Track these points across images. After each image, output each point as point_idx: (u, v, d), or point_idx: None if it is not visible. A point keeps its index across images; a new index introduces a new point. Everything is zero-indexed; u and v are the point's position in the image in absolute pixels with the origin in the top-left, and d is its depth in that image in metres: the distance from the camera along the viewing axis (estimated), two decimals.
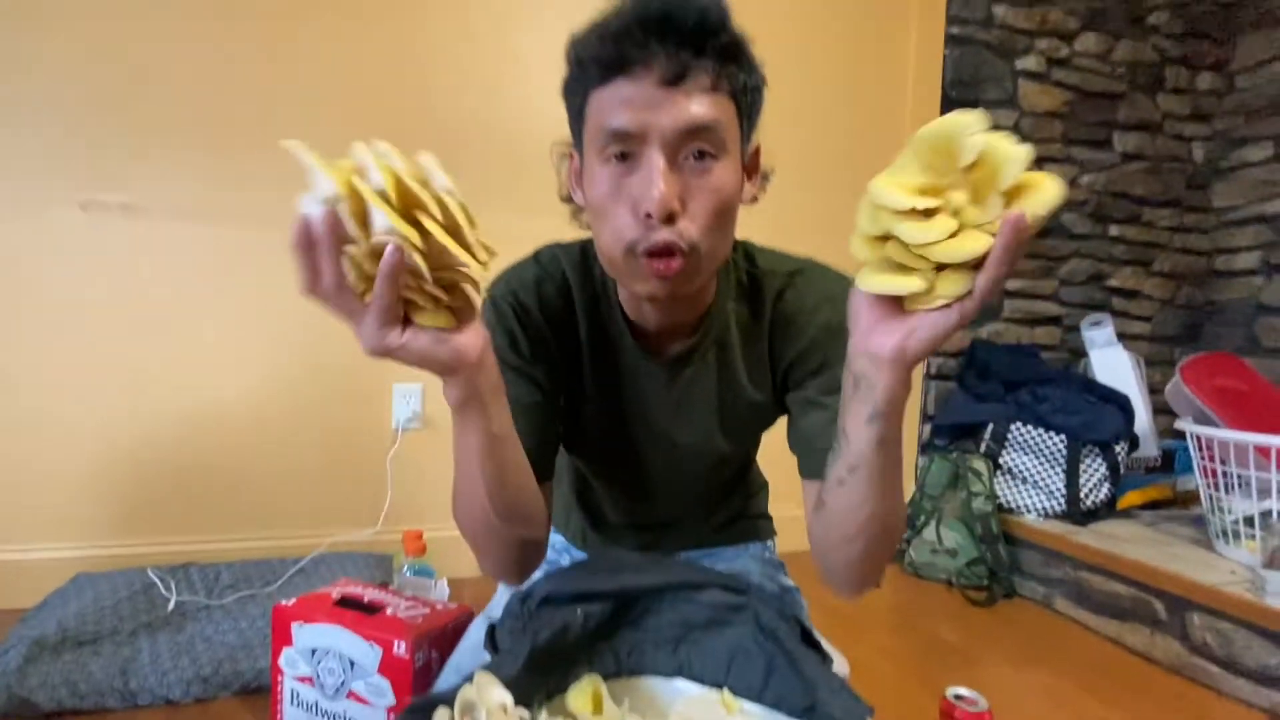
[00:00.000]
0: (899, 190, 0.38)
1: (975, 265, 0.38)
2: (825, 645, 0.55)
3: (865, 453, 0.47)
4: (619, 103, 0.52)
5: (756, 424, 0.73)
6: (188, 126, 1.39)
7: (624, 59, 0.51)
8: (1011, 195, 0.38)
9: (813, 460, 0.60)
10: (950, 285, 0.39)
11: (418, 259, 0.40)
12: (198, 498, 1.43)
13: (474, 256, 0.42)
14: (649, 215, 0.51)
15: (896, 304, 0.43)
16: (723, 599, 0.49)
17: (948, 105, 1.86)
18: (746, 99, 0.55)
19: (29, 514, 1.34)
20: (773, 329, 0.66)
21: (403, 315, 0.43)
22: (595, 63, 0.53)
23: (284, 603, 0.92)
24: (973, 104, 1.88)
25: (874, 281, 0.41)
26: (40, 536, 1.35)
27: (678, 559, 0.66)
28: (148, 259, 1.39)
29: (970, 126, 0.38)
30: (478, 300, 0.46)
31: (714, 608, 0.49)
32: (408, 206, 0.41)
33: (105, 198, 1.36)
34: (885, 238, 0.40)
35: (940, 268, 0.39)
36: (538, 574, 0.64)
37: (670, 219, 0.51)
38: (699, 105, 0.51)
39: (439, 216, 0.41)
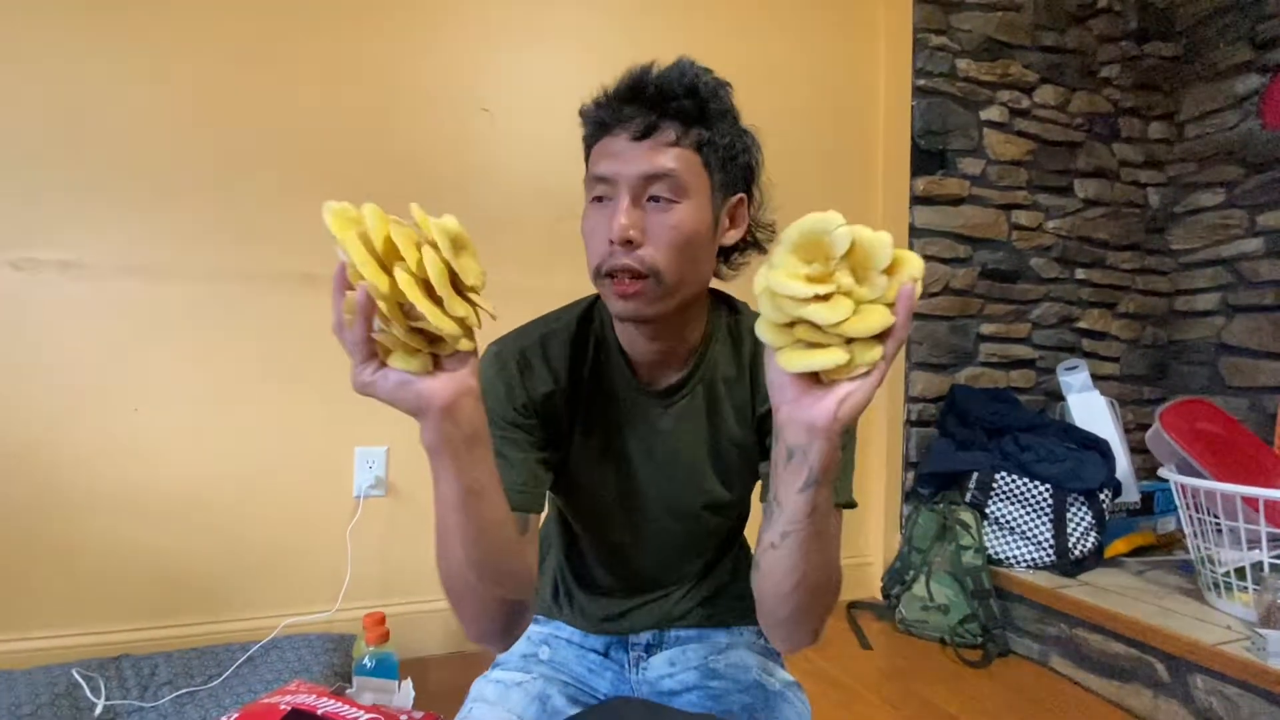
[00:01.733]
0: (797, 280, 0.43)
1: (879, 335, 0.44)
2: None
3: (799, 519, 0.50)
4: (602, 155, 0.63)
5: (742, 465, 0.74)
6: (130, 180, 1.31)
7: (606, 121, 0.63)
8: (888, 271, 0.44)
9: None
10: (867, 354, 0.44)
11: (383, 306, 0.43)
12: (132, 578, 1.30)
13: (445, 313, 0.44)
14: (612, 241, 0.60)
15: (815, 377, 0.46)
16: None
17: (917, 154, 1.88)
18: (712, 155, 0.63)
19: None
20: (753, 375, 0.71)
21: (377, 355, 0.47)
22: (591, 123, 0.65)
23: (225, 718, 0.81)
24: (941, 154, 1.91)
25: (800, 361, 0.45)
26: None
27: (679, 713, 0.59)
28: (84, 320, 1.28)
29: (833, 222, 0.44)
30: (466, 351, 0.49)
31: None
32: (389, 258, 0.45)
33: (40, 255, 1.26)
34: (792, 324, 0.45)
35: (849, 341, 0.44)
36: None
37: (630, 245, 0.59)
38: (661, 156, 0.60)
39: (413, 270, 0.44)
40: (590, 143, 0.66)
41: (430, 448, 0.50)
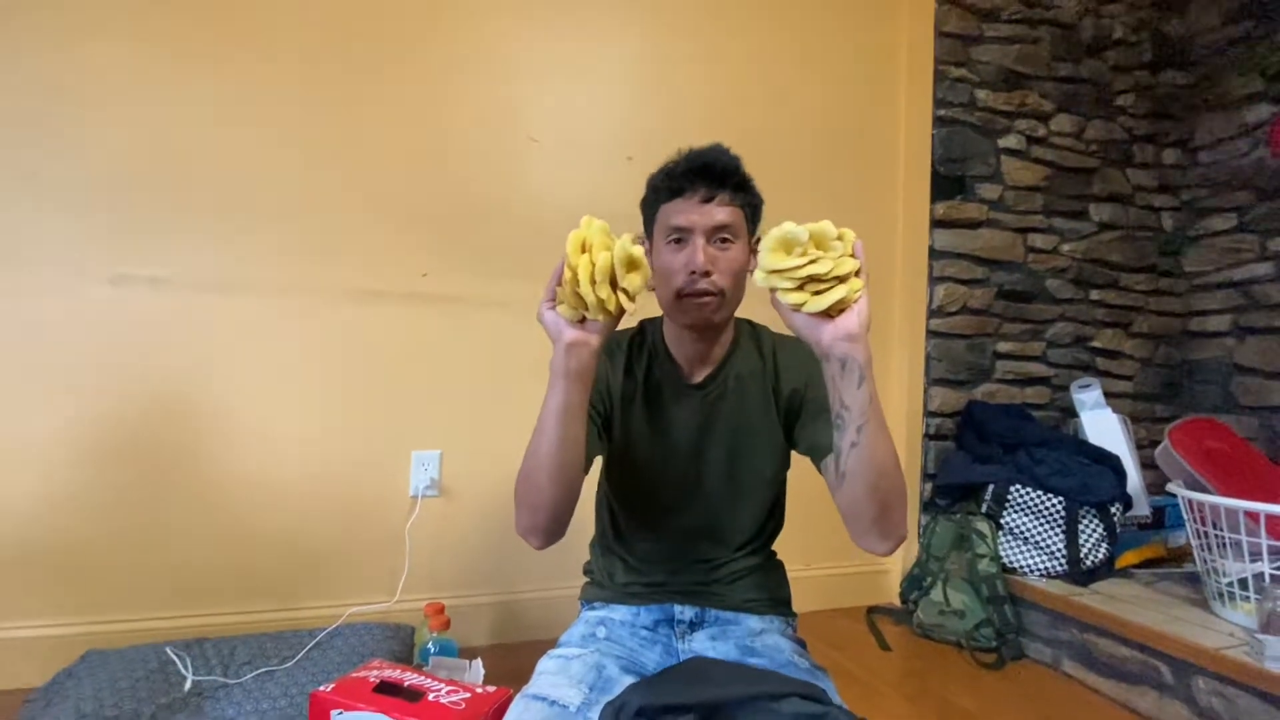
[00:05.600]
0: (792, 259, 0.68)
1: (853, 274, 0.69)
2: None
3: (864, 410, 0.70)
4: (677, 211, 0.85)
5: (765, 446, 0.93)
6: (216, 207, 1.44)
7: (681, 188, 0.85)
8: (838, 239, 0.69)
9: (821, 446, 0.82)
10: (856, 284, 0.69)
11: (567, 273, 0.71)
12: (210, 568, 1.42)
13: (593, 291, 0.70)
14: (693, 272, 0.82)
15: (827, 313, 0.69)
16: (802, 708, 0.52)
17: (937, 180, 1.98)
18: (750, 212, 0.88)
19: (34, 588, 1.33)
20: (776, 371, 0.93)
21: (555, 299, 0.75)
22: (665, 189, 0.87)
23: (322, 689, 0.93)
24: (960, 180, 2.01)
25: (825, 300, 0.67)
26: (44, 611, 1.33)
27: (756, 668, 0.69)
28: (173, 332, 1.41)
29: (793, 227, 0.67)
30: (601, 321, 0.74)
31: (795, 717, 0.52)
32: (587, 249, 0.71)
33: (135, 272, 1.39)
34: (801, 286, 0.68)
35: (840, 281, 0.68)
36: (619, 677, 0.80)
37: (706, 274, 0.82)
38: (722, 213, 0.84)
39: (594, 261, 0.70)
40: (657, 203, 0.88)
41: (551, 369, 0.75)
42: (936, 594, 1.70)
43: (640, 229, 0.93)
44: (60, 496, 1.34)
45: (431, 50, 1.59)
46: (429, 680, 0.94)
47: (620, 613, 0.93)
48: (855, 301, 0.69)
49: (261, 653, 1.32)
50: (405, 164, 1.56)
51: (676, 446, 0.92)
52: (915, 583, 1.78)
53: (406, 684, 0.92)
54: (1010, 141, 2.06)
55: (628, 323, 0.89)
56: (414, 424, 1.55)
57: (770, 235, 0.69)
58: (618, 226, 0.75)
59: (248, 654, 1.32)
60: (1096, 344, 2.18)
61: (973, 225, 2.02)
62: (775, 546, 1.01)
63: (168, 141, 1.41)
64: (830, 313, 0.68)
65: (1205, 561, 1.45)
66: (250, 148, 1.46)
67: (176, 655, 1.26)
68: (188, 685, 1.21)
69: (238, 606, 1.44)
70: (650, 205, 0.89)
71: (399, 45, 1.56)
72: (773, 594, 0.96)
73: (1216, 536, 1.40)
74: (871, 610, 1.85)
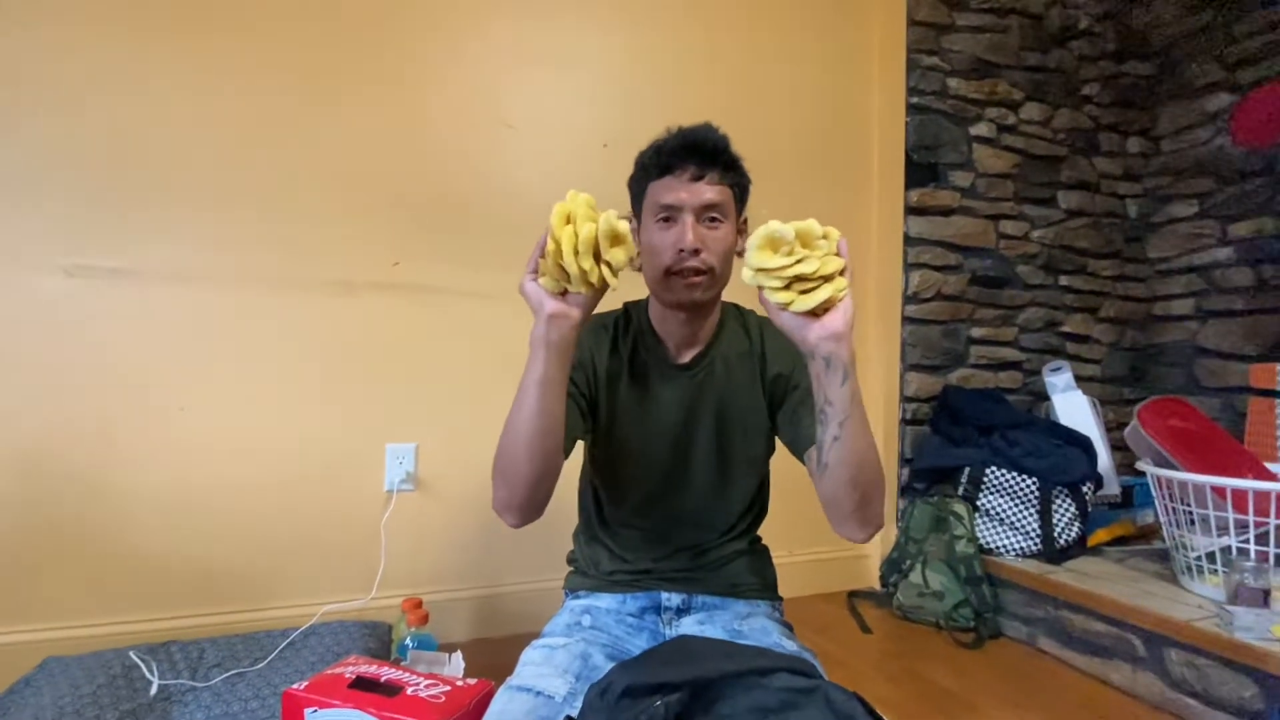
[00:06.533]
0: (779, 259, 0.68)
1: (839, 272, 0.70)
2: None
3: (847, 408, 0.71)
4: (666, 189, 0.84)
5: (752, 428, 0.92)
6: (177, 192, 1.38)
7: (671, 166, 0.84)
8: (823, 237, 0.70)
9: (804, 437, 0.83)
10: (841, 282, 0.69)
11: (550, 245, 0.70)
12: (177, 569, 1.37)
13: (576, 263, 0.69)
14: (682, 250, 0.82)
15: (812, 311, 0.69)
16: (792, 683, 0.51)
17: (911, 167, 1.99)
18: (738, 191, 0.88)
19: None
20: (763, 354, 0.93)
21: (538, 271, 0.74)
22: (654, 166, 0.86)
23: (295, 687, 0.89)
24: (933, 167, 2.02)
25: (811, 300, 0.68)
26: (1, 618, 1.27)
27: (743, 646, 0.68)
28: (133, 324, 1.36)
29: (779, 225, 0.68)
30: (582, 294, 0.74)
31: (785, 691, 0.51)
32: (570, 221, 0.70)
33: (92, 262, 1.33)
34: (788, 285, 0.69)
35: (825, 280, 0.69)
36: (603, 662, 0.80)
37: (696, 252, 0.82)
38: (711, 192, 0.83)
39: (578, 232, 0.69)
40: (645, 180, 0.87)
41: (532, 340, 0.74)
42: (915, 576, 1.72)
43: (625, 210, 0.90)
44: (15, 500, 1.28)
45: (405, 34, 1.55)
46: (407, 674, 0.91)
47: (605, 601, 0.92)
48: (840, 300, 0.69)
49: (231, 655, 1.28)
50: (376, 149, 1.52)
51: (663, 428, 0.91)
52: (894, 566, 1.79)
53: (384, 679, 0.90)
54: (981, 129, 2.08)
55: (611, 302, 0.88)
56: (388, 417, 1.52)
57: (757, 234, 0.70)
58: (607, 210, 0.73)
59: (217, 656, 1.27)
60: (1066, 329, 2.23)
61: (946, 212, 2.04)
62: (759, 532, 1.00)
63: (128, 127, 1.35)
64: (816, 312, 0.69)
65: (1174, 537, 1.49)
66: (216, 134, 1.41)
67: (141, 660, 1.21)
68: (153, 690, 1.16)
69: (206, 609, 1.39)
70: (638, 182, 0.88)
71: (371, 27, 1.52)
72: (760, 577, 0.96)
73: (1185, 512, 1.43)
74: (852, 594, 1.86)
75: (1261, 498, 1.31)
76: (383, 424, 1.51)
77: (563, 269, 0.70)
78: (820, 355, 0.70)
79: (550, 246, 0.70)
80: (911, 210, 2.00)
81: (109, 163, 1.34)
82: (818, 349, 0.70)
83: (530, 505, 0.79)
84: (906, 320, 1.99)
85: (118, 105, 1.34)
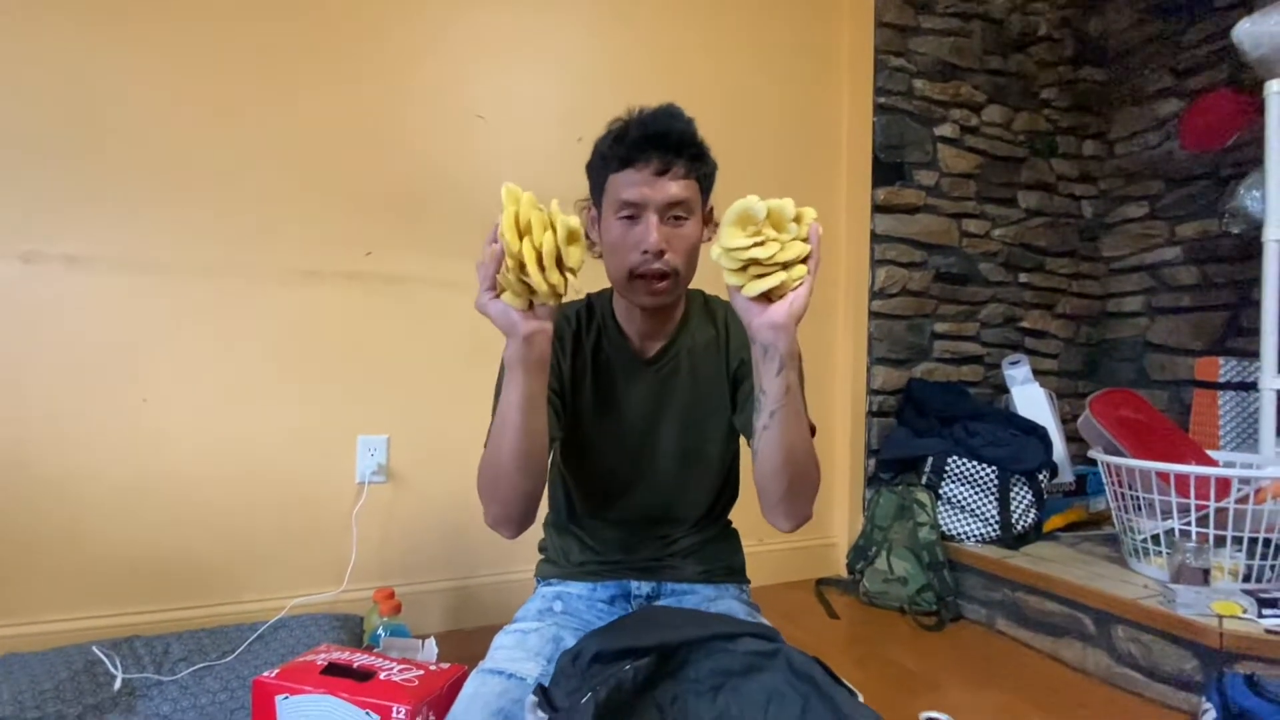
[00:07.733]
0: (741, 238, 0.66)
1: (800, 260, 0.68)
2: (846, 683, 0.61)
3: (779, 398, 0.70)
4: (628, 184, 0.79)
5: (718, 420, 0.92)
6: (137, 176, 1.36)
7: (633, 158, 0.78)
8: (795, 220, 0.67)
9: (749, 423, 0.80)
10: (796, 272, 0.67)
11: (509, 260, 0.65)
12: (140, 564, 1.35)
13: (545, 278, 0.65)
14: (646, 252, 0.78)
15: (766, 296, 0.68)
16: (756, 646, 0.54)
17: (878, 166, 2.04)
18: (705, 182, 0.84)
19: None
20: (728, 342, 0.91)
21: (496, 287, 0.68)
22: (614, 158, 0.80)
23: (265, 675, 0.89)
24: (899, 166, 2.08)
25: (756, 286, 0.67)
26: None
27: (709, 614, 0.70)
28: (92, 312, 1.33)
29: (755, 202, 0.65)
30: (552, 304, 0.69)
31: (749, 655, 0.53)
32: (525, 231, 0.65)
33: (48, 249, 1.30)
34: (745, 267, 0.67)
35: (784, 267, 0.67)
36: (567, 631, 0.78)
37: (660, 254, 0.78)
38: (677, 187, 0.79)
39: (536, 245, 0.64)
40: (605, 170, 0.81)
41: (509, 361, 0.71)
42: (881, 563, 1.77)
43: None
44: None
45: (376, 22, 1.53)
46: (380, 660, 0.92)
47: (577, 588, 0.93)
48: (792, 289, 0.67)
49: (198, 649, 1.27)
50: (346, 137, 1.51)
51: (630, 424, 0.90)
52: (861, 553, 1.84)
53: (356, 664, 0.90)
54: (946, 130, 2.15)
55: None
56: (359, 409, 1.51)
57: (732, 208, 0.67)
58: (568, 207, 0.72)
59: (183, 650, 1.26)
60: (1025, 324, 2.31)
61: (911, 210, 2.10)
62: (730, 515, 1.02)
63: (88, 111, 1.32)
64: (770, 297, 0.68)
65: (1122, 521, 1.56)
66: (179, 119, 1.38)
67: (104, 654, 1.19)
68: (118, 684, 1.14)
69: (171, 604, 1.37)
70: (598, 172, 0.83)
71: (342, 15, 1.50)
72: (727, 563, 0.98)
73: (1132, 497, 1.50)
74: (820, 582, 1.91)
75: (1202, 482, 1.38)
76: (354, 416, 1.50)
77: (525, 284, 0.66)
78: (759, 342, 0.69)
79: (509, 262, 0.65)
80: (878, 208, 2.05)
81: (68, 148, 1.31)
82: (758, 335, 0.69)
83: (526, 516, 0.78)
84: (873, 315, 2.05)
85: (75, 89, 1.31)
